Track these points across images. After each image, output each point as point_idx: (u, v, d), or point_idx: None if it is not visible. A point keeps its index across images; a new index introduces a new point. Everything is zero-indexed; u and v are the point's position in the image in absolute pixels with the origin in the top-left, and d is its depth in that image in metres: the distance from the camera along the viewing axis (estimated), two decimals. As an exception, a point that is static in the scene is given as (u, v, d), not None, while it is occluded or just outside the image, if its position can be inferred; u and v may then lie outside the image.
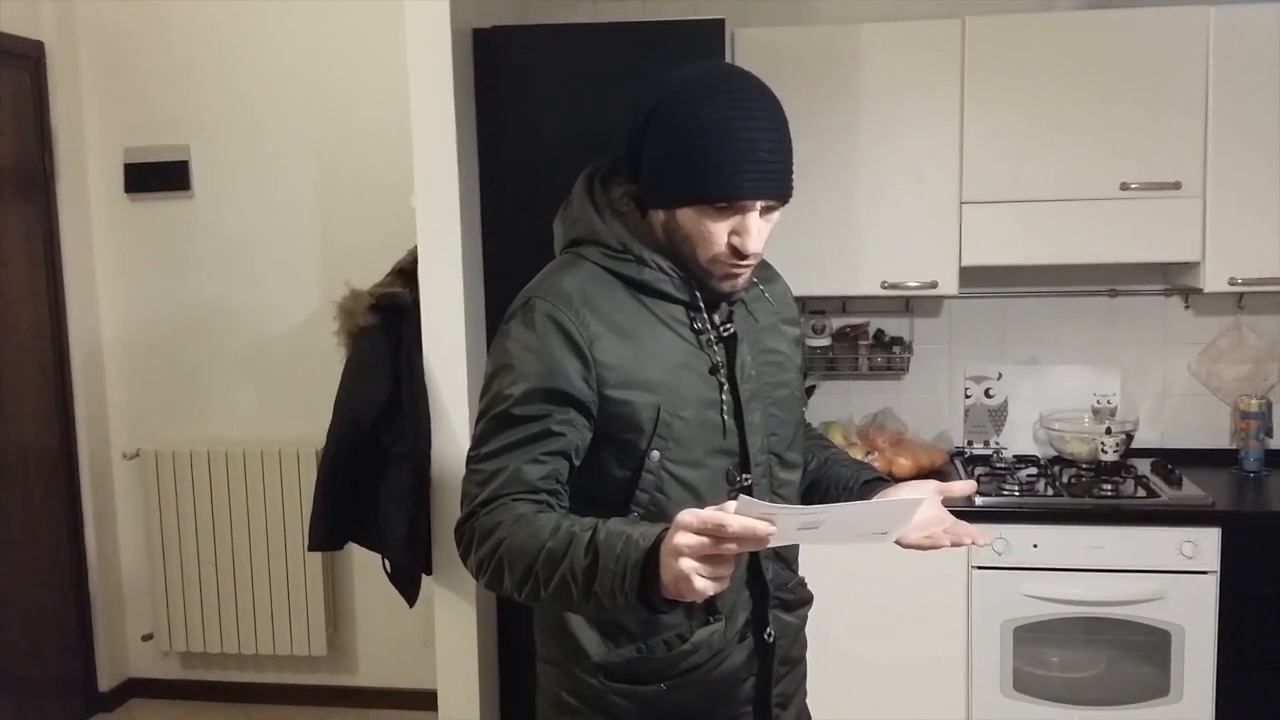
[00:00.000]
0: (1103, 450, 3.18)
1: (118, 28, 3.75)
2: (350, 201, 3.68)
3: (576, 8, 3.44)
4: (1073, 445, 3.27)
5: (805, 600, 1.71)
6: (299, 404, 3.73)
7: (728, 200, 1.44)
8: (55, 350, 3.71)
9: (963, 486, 1.56)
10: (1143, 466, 3.21)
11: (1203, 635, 2.88)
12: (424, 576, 2.88)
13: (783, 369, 1.65)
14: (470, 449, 1.49)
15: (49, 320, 3.69)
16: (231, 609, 3.79)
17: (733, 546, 1.16)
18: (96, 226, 3.84)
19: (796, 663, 1.71)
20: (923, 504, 1.38)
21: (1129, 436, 3.22)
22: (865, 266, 3.15)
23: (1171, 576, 2.88)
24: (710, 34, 2.76)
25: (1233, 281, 3.01)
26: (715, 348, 1.55)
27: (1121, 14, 3.02)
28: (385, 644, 3.84)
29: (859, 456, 2.93)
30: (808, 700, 1.78)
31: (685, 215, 1.48)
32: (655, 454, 1.49)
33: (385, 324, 2.80)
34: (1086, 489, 3.04)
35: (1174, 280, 3.32)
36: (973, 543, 1.52)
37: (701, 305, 1.54)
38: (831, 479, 1.76)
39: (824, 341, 3.43)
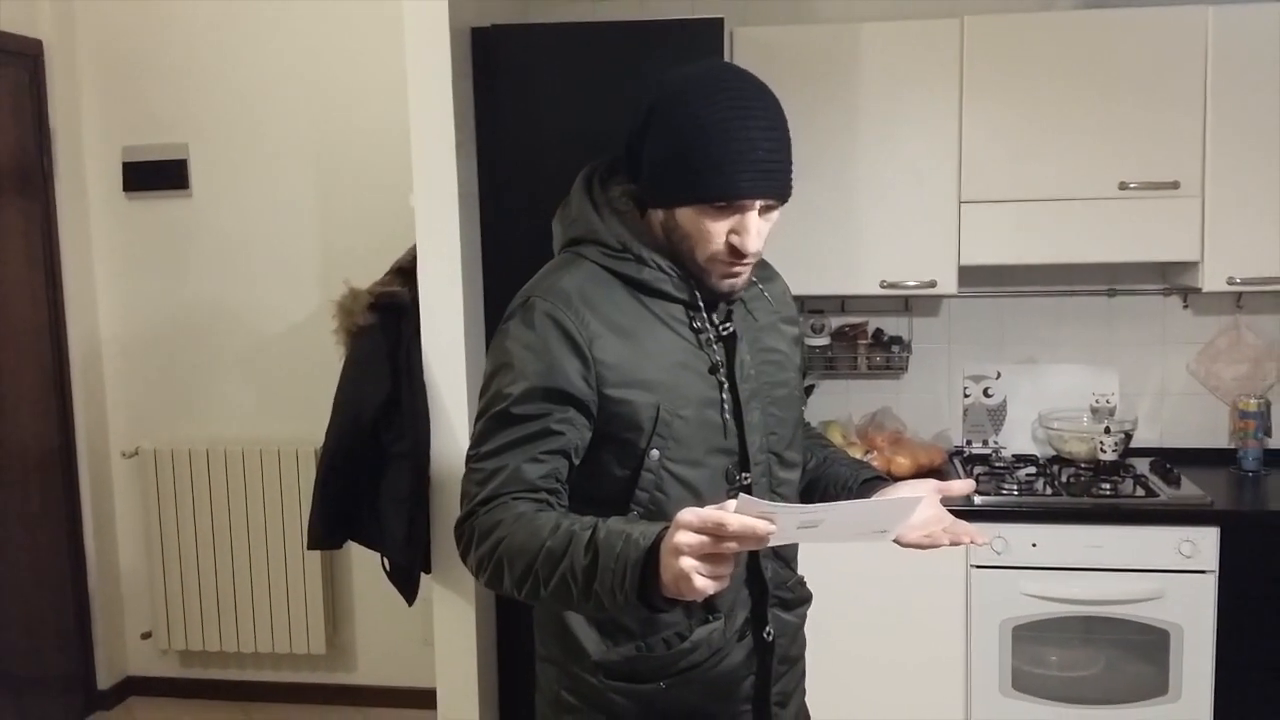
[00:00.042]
0: (1101, 450, 3.18)
1: (116, 26, 3.74)
2: (349, 200, 3.68)
3: (575, 7, 3.44)
4: (1071, 444, 3.27)
5: (804, 599, 1.71)
6: (298, 403, 3.73)
7: (727, 200, 1.44)
8: (54, 349, 3.71)
9: (961, 485, 1.56)
10: (1141, 466, 3.21)
11: (1201, 634, 2.89)
12: (423, 575, 2.88)
13: (782, 368, 1.66)
14: (470, 448, 1.49)
15: (48, 319, 3.69)
16: (230, 607, 3.79)
17: (733, 545, 1.17)
18: (95, 225, 3.84)
19: (795, 661, 1.71)
20: (922, 503, 1.38)
21: (1128, 436, 3.22)
22: (864, 266, 3.15)
23: (1170, 576, 2.89)
24: (709, 33, 2.76)
25: (1231, 281, 3.02)
26: (715, 347, 1.55)
27: (1120, 13, 3.02)
28: (384, 642, 3.84)
29: (858, 456, 2.93)
30: (807, 699, 1.78)
31: (684, 214, 1.48)
32: (655, 453, 1.49)
33: (384, 323, 2.80)
34: (1085, 488, 3.04)
35: (1173, 280, 3.32)
36: (971, 542, 1.52)
37: (701, 304, 1.55)
38: (830, 478, 1.76)
39: (823, 341, 3.43)
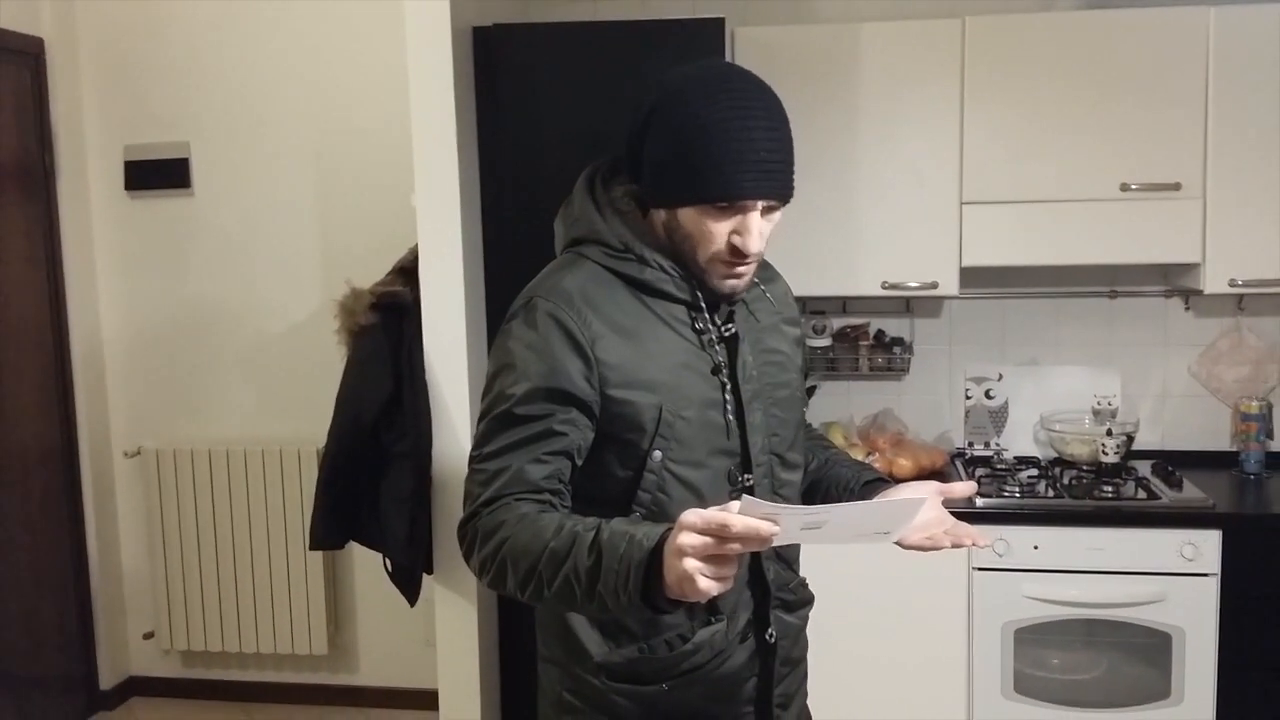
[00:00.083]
0: (1103, 452, 3.18)
1: (118, 25, 3.75)
2: (351, 200, 3.68)
3: (577, 6, 3.44)
4: (1073, 447, 3.27)
5: (806, 601, 1.71)
6: (300, 402, 3.73)
7: (728, 200, 1.44)
8: (56, 348, 3.71)
9: (963, 488, 1.56)
10: (1143, 468, 3.21)
11: (1203, 637, 2.88)
12: (425, 576, 2.88)
13: (784, 369, 1.65)
14: (472, 449, 1.49)
15: (49, 318, 3.69)
16: (232, 608, 3.79)
17: (736, 546, 1.17)
18: (97, 224, 3.84)
19: (798, 663, 1.71)
20: (924, 505, 1.38)
21: (1129, 438, 3.22)
22: (865, 267, 3.15)
23: (1172, 578, 2.88)
24: (710, 32, 2.76)
25: (1233, 283, 3.01)
26: (717, 348, 1.55)
27: (1122, 14, 3.02)
28: (386, 643, 3.84)
29: (859, 457, 2.93)
30: (809, 701, 1.78)
31: (686, 215, 1.48)
32: (657, 454, 1.49)
33: (386, 323, 2.80)
34: (1087, 490, 3.04)
35: (1174, 281, 3.32)
36: (973, 544, 1.52)
37: (703, 305, 1.54)
38: (832, 479, 1.76)
39: (824, 342, 3.43)
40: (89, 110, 3.79)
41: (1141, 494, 3.02)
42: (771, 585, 1.61)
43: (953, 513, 1.56)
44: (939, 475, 3.16)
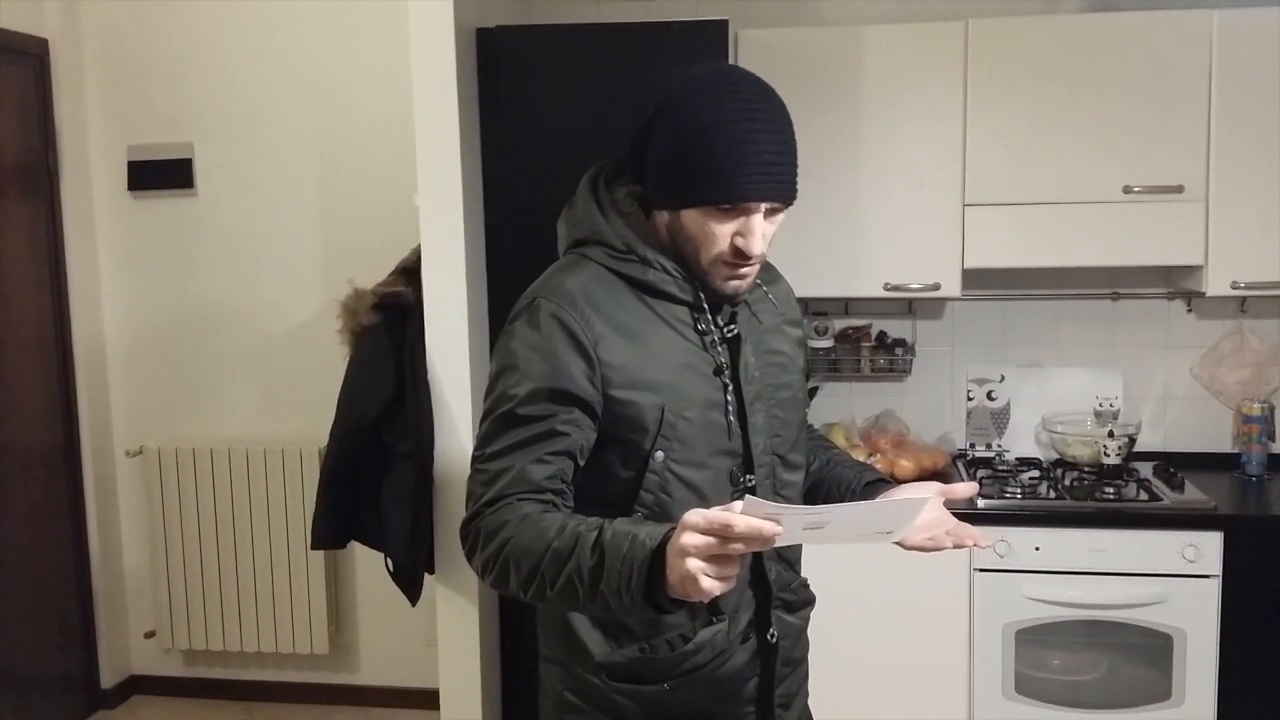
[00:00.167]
0: (1105, 453, 3.18)
1: (121, 25, 3.75)
2: (353, 200, 3.68)
3: (579, 7, 3.44)
4: (1075, 448, 3.27)
5: (808, 601, 1.71)
6: (302, 402, 3.74)
7: (732, 202, 1.45)
8: (58, 347, 3.72)
9: (965, 488, 1.56)
10: (1145, 470, 3.21)
11: (1205, 639, 2.88)
12: (426, 575, 2.88)
13: (786, 370, 1.66)
14: (475, 449, 1.49)
15: (52, 317, 3.70)
16: (234, 607, 3.79)
17: (739, 546, 1.17)
18: (100, 224, 3.85)
19: (799, 663, 1.71)
20: (925, 505, 1.38)
21: (1131, 440, 3.22)
22: (868, 268, 3.15)
23: (1173, 580, 2.88)
24: (714, 35, 2.77)
25: (1235, 285, 3.01)
26: (719, 349, 1.55)
27: (1125, 17, 3.03)
28: (387, 643, 3.84)
29: (861, 458, 2.93)
30: (810, 701, 1.78)
31: (690, 216, 1.48)
32: (659, 454, 1.49)
33: (388, 323, 2.81)
34: (1088, 492, 3.04)
35: (1176, 283, 3.32)
36: (975, 544, 1.52)
37: (705, 306, 1.55)
38: (834, 480, 1.77)
39: (826, 343, 3.43)
40: (92, 110, 3.80)
41: (1143, 495, 3.02)
42: (773, 585, 1.61)
43: (954, 514, 1.56)
44: (940, 476, 3.17)
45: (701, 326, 1.55)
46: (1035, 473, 3.24)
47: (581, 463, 1.49)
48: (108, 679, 3.91)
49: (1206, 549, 2.86)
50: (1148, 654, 2.93)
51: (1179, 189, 2.98)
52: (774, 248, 1.54)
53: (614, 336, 1.48)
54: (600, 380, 1.47)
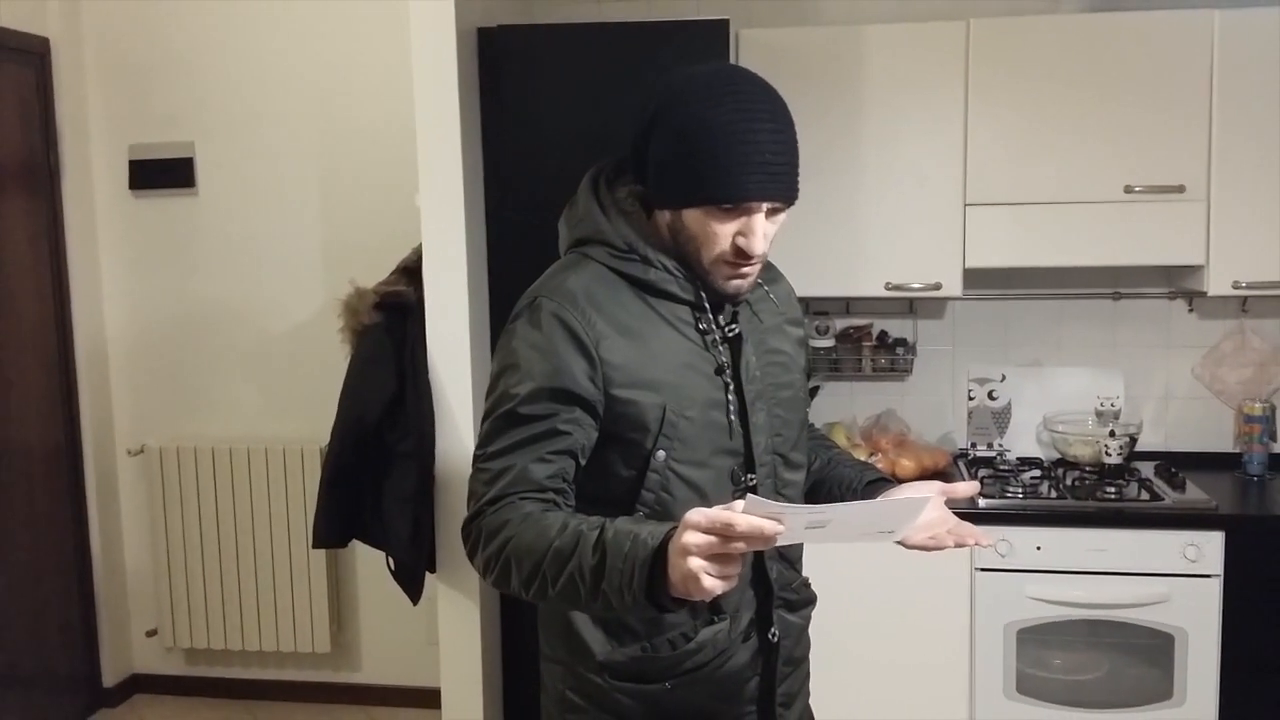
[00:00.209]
0: (1106, 453, 3.18)
1: (123, 24, 3.75)
2: (355, 200, 3.68)
3: (580, 7, 3.44)
4: (1076, 448, 3.27)
5: (809, 600, 1.71)
6: (303, 401, 3.74)
7: (733, 202, 1.45)
8: (60, 346, 3.72)
9: (966, 487, 1.56)
10: (1146, 469, 3.21)
11: (1206, 639, 2.88)
12: (428, 574, 2.89)
13: (787, 370, 1.66)
14: (476, 448, 1.50)
15: (54, 316, 3.70)
16: (236, 606, 3.80)
17: (741, 546, 1.17)
18: (101, 223, 3.85)
19: (800, 663, 1.71)
20: (927, 504, 1.38)
21: (1132, 439, 3.22)
22: (869, 268, 3.15)
23: (1175, 580, 2.88)
24: (714, 34, 2.77)
25: (1236, 285, 3.01)
26: (720, 348, 1.55)
27: (1126, 17, 3.03)
28: (389, 642, 3.85)
29: (862, 458, 2.93)
30: (811, 700, 1.78)
31: (691, 216, 1.48)
32: (661, 454, 1.49)
33: (390, 322, 2.81)
34: (1090, 492, 3.04)
35: (1178, 283, 3.32)
36: (976, 543, 1.53)
37: (707, 306, 1.55)
38: (835, 479, 1.77)
39: (828, 342, 3.43)
40: (94, 109, 3.80)
41: (1144, 495, 3.02)
42: (774, 585, 1.61)
43: (956, 513, 1.56)
44: (942, 476, 3.17)
45: (703, 326, 1.55)
46: (1036, 472, 3.24)
47: (583, 462, 1.49)
48: (109, 678, 3.91)
49: (1208, 549, 2.86)
50: (1149, 654, 2.93)
51: (1180, 189, 2.98)
52: (775, 247, 1.54)
53: (615, 336, 1.48)
54: (602, 379, 1.47)
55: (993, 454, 3.40)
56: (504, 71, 2.84)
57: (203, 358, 3.85)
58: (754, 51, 3.06)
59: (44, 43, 3.63)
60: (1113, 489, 3.03)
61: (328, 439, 2.87)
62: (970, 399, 3.47)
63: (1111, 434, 3.20)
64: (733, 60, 2.94)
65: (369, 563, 3.69)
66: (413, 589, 2.88)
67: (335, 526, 2.88)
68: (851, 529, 1.28)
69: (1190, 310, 3.39)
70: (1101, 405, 3.37)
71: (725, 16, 2.80)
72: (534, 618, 1.70)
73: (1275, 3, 2.95)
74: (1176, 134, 2.98)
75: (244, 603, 3.79)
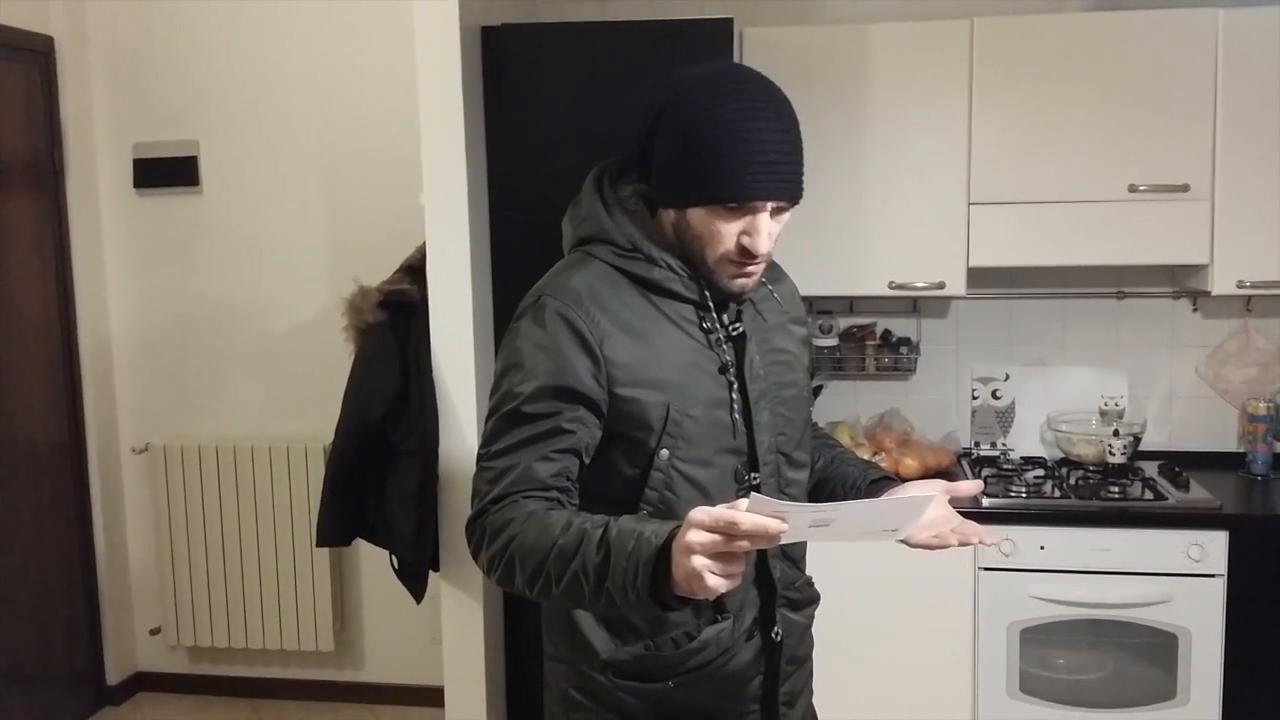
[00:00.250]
0: (1110, 452, 3.18)
1: (127, 24, 3.76)
2: (359, 198, 3.69)
3: (585, 6, 3.44)
4: (1080, 447, 3.27)
5: (812, 599, 1.71)
6: (307, 400, 3.74)
7: (738, 201, 1.45)
8: (64, 345, 3.73)
9: (969, 486, 1.56)
10: (1150, 469, 3.21)
11: (1210, 638, 2.88)
12: (431, 573, 2.89)
13: (790, 368, 1.66)
14: (480, 446, 1.50)
15: (58, 315, 3.70)
16: (239, 604, 3.80)
17: (745, 544, 1.17)
18: (105, 222, 3.86)
19: (803, 662, 1.71)
20: (931, 503, 1.38)
21: (1136, 439, 3.22)
22: (872, 267, 3.15)
23: (1178, 579, 2.88)
24: (718, 33, 2.77)
25: (1241, 284, 3.01)
26: (724, 347, 1.55)
27: (1130, 16, 3.02)
28: (392, 640, 3.85)
29: (866, 457, 2.93)
30: (814, 699, 1.78)
31: (695, 215, 1.48)
32: (664, 452, 1.49)
33: (393, 321, 2.81)
34: (1093, 491, 3.04)
35: (1182, 283, 3.32)
36: (980, 542, 1.53)
37: (710, 305, 1.55)
38: (838, 478, 1.77)
39: (831, 341, 3.43)
40: (98, 108, 3.81)
41: (1148, 495, 3.02)
42: (778, 584, 1.61)
43: (959, 513, 1.56)
44: (945, 475, 3.15)
45: (707, 325, 1.55)
46: (1040, 471, 3.24)
47: (587, 460, 1.49)
48: (113, 676, 3.92)
49: (1211, 548, 2.86)
50: (1153, 653, 2.93)
51: (1184, 188, 2.98)
52: (779, 246, 1.54)
53: (619, 334, 1.48)
54: (605, 378, 1.47)
55: (996, 453, 3.40)
56: (508, 70, 2.84)
57: (207, 356, 3.85)
58: (758, 50, 3.06)
59: (48, 41, 3.63)
60: (1116, 488, 3.03)
61: (332, 437, 2.87)
62: (974, 398, 3.47)
63: (1115, 433, 3.19)
64: (737, 59, 2.94)
65: (372, 561, 3.69)
66: (416, 587, 2.88)
67: (339, 525, 2.88)
68: (855, 527, 1.28)
69: (1194, 310, 3.38)
70: (1105, 404, 3.36)
71: (729, 15, 2.80)
72: (537, 616, 1.70)
73: (1279, 1, 2.96)
74: (1181, 133, 2.98)
75: (248, 601, 3.79)
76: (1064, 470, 3.23)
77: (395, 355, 2.80)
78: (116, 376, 3.92)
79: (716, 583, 1.17)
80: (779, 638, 1.62)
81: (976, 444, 3.45)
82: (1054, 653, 2.98)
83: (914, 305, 3.47)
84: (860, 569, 2.89)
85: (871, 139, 3.11)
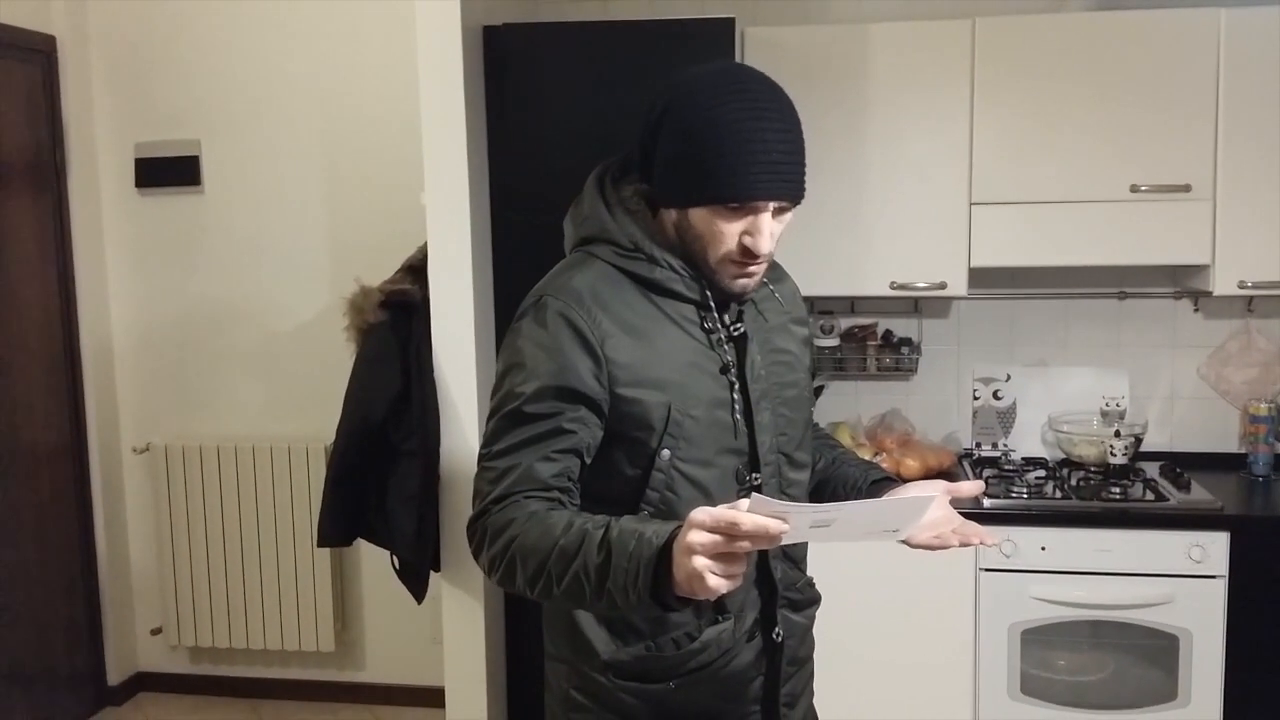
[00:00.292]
0: (1111, 453, 3.17)
1: (129, 23, 3.76)
2: (360, 198, 3.69)
3: (586, 6, 3.44)
4: (1081, 448, 3.26)
5: (813, 600, 1.71)
6: (308, 400, 3.74)
7: (740, 201, 1.44)
8: (66, 344, 3.73)
9: (970, 487, 1.56)
10: (1151, 470, 3.21)
11: (1211, 640, 2.88)
12: (432, 573, 2.89)
13: (792, 369, 1.66)
14: (482, 447, 1.50)
15: (60, 314, 3.70)
16: (240, 604, 3.80)
17: (746, 544, 1.17)
18: (107, 221, 3.86)
19: (804, 662, 1.71)
20: (933, 502, 1.38)
21: (1138, 439, 3.21)
22: (874, 267, 3.14)
23: (1180, 580, 2.88)
24: (721, 33, 2.77)
25: (1242, 285, 3.01)
26: (725, 347, 1.55)
27: (1132, 15, 3.02)
28: (393, 640, 3.85)
29: (867, 457, 2.93)
30: (815, 700, 1.78)
31: (697, 215, 1.48)
32: (666, 453, 1.49)
33: (395, 321, 2.81)
34: (1095, 492, 3.04)
35: (1183, 283, 3.31)
36: (981, 542, 1.53)
37: (712, 305, 1.55)
38: (839, 478, 1.77)
39: (832, 342, 3.43)
40: (100, 108, 3.81)
41: (1149, 496, 3.02)
42: (779, 584, 1.61)
43: (960, 513, 1.56)
44: (946, 476, 3.14)
45: (708, 325, 1.55)
46: (1041, 472, 3.24)
47: (588, 460, 1.49)
48: (114, 676, 3.92)
49: (1213, 549, 2.86)
50: (1154, 654, 2.93)
51: (1186, 188, 2.98)
52: (780, 246, 1.54)
53: (621, 334, 1.48)
54: (607, 378, 1.47)
55: (997, 454, 3.40)
56: (509, 70, 2.84)
57: (208, 356, 3.85)
58: (760, 50, 3.06)
59: (50, 41, 3.63)
60: (1117, 489, 3.03)
61: (333, 437, 2.87)
62: (975, 398, 3.47)
63: (1116, 434, 3.19)
64: (739, 59, 2.94)
65: (373, 561, 3.69)
66: (417, 588, 2.88)
67: (340, 525, 2.88)
68: (856, 528, 1.28)
69: (1196, 310, 3.38)
70: (1106, 405, 3.36)
71: (731, 15, 2.80)
72: (538, 617, 1.70)
73: (1282, 2, 2.95)
74: (1182, 133, 2.98)
75: (249, 601, 3.80)
76: (1065, 471, 3.23)
77: (396, 355, 2.80)
78: (118, 376, 3.92)
79: (717, 583, 1.17)
80: (780, 638, 1.62)
81: (978, 444, 3.45)
82: (1055, 654, 2.98)
83: (915, 305, 3.47)
84: (861, 570, 2.89)
85: (873, 139, 3.11)
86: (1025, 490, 3.05)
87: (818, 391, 3.30)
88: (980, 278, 3.18)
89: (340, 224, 3.72)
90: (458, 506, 2.80)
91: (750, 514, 1.16)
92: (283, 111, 3.70)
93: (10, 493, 3.49)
